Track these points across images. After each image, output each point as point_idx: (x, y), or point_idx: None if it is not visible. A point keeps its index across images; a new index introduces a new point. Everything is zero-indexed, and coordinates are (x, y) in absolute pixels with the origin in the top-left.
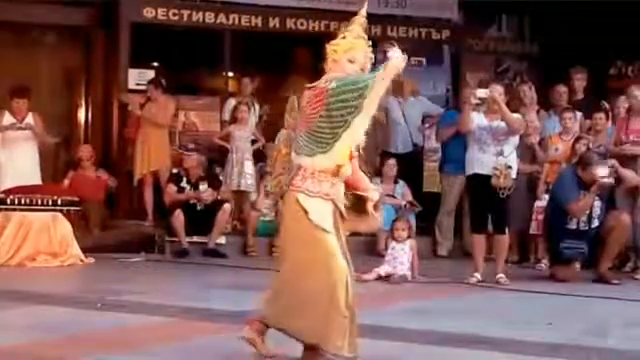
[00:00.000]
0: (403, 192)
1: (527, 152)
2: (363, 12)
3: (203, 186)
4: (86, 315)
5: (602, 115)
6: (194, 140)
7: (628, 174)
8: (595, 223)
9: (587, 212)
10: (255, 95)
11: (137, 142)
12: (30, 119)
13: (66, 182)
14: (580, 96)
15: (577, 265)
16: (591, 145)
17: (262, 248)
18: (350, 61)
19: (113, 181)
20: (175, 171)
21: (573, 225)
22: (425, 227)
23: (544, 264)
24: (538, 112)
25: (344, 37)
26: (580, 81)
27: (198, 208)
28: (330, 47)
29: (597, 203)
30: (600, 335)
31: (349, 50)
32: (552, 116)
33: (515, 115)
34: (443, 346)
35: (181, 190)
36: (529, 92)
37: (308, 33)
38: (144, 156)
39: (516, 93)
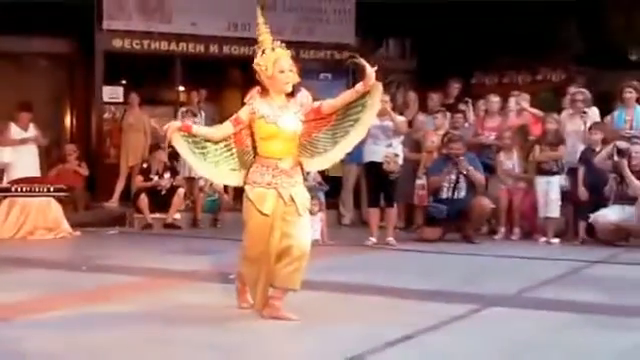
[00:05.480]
0: (314, 176)
1: (414, 144)
2: (259, 19)
3: (167, 174)
4: (73, 276)
5: (460, 115)
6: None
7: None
8: (460, 195)
9: (452, 185)
10: (200, 104)
11: (122, 144)
12: (32, 129)
13: (54, 172)
14: (451, 101)
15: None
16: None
17: (207, 222)
18: (281, 71)
19: (85, 170)
20: (145, 166)
21: (443, 195)
22: (332, 203)
23: None
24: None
25: (263, 52)
26: (456, 89)
27: (163, 193)
28: (258, 67)
29: (461, 178)
30: (471, 283)
31: (276, 62)
32: (430, 118)
33: (400, 118)
34: (354, 294)
35: (149, 179)
36: (414, 98)
37: (240, 57)
38: (127, 154)
39: (405, 98)
